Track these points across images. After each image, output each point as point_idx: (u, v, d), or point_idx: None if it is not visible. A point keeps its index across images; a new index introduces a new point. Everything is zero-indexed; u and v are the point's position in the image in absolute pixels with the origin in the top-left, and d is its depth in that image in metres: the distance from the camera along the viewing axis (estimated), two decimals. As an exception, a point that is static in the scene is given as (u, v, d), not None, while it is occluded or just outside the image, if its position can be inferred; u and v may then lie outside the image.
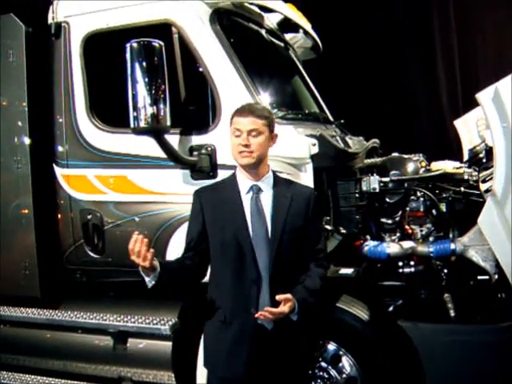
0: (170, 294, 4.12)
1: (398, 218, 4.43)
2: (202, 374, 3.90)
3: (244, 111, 3.13)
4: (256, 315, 3.00)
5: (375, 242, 4.27)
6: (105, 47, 4.42)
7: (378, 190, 4.37)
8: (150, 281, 3.03)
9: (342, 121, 5.28)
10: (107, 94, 4.46)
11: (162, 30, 4.17)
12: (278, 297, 2.99)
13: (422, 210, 4.37)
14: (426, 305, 4.14)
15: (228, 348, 3.13)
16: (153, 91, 3.63)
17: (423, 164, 4.68)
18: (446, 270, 4.18)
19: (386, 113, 8.47)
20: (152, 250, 2.92)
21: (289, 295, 3.03)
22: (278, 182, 3.25)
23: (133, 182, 4.29)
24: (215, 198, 3.21)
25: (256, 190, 3.16)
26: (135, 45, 3.61)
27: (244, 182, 3.18)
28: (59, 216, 4.60)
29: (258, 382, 3.18)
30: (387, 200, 4.45)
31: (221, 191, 3.24)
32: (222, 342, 3.15)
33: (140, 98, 3.63)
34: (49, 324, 4.68)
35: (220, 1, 4.39)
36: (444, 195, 4.37)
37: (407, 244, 4.18)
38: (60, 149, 4.56)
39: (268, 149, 3.17)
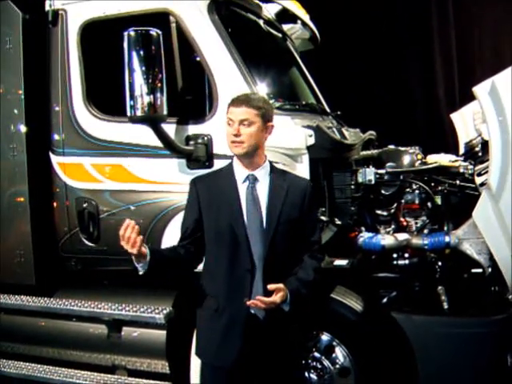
0: (165, 283, 4.16)
1: (393, 210, 4.44)
2: (196, 363, 3.92)
3: (238, 101, 3.14)
4: (248, 303, 3.01)
5: (370, 234, 4.27)
6: (102, 35, 4.39)
7: (373, 182, 4.37)
8: (141, 268, 3.06)
9: (339, 112, 5.28)
10: (104, 82, 4.45)
11: (160, 19, 4.15)
12: (270, 286, 3.00)
13: (417, 202, 4.38)
14: (420, 297, 4.15)
15: (220, 337, 3.14)
16: (150, 80, 3.62)
17: (419, 157, 4.68)
18: (440, 263, 4.19)
19: (383, 105, 8.48)
20: (141, 237, 2.94)
21: (280, 285, 3.03)
22: (275, 173, 3.26)
23: (129, 170, 4.29)
24: (211, 187, 3.22)
25: (252, 180, 3.16)
26: (133, 33, 3.60)
27: (240, 171, 3.18)
28: (55, 204, 4.60)
29: (249, 372, 3.20)
30: (383, 192, 4.45)
31: (217, 180, 3.24)
32: (215, 330, 3.16)
33: (137, 87, 3.62)
34: (43, 312, 4.68)
35: (218, -10, 4.38)
36: (439, 188, 4.38)
37: (402, 236, 4.19)
38: (56, 137, 4.55)
39: (262, 139, 3.17)
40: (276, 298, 3.01)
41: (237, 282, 3.11)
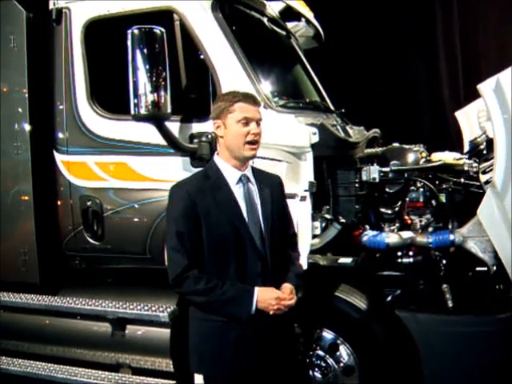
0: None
1: (397, 208, 4.43)
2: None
3: (250, 98, 3.06)
4: (274, 310, 2.96)
5: (374, 232, 4.27)
6: (106, 34, 4.40)
7: (377, 180, 4.35)
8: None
9: (343, 110, 5.26)
10: (108, 80, 4.45)
11: (164, 16, 4.15)
12: (285, 289, 3.02)
13: (421, 200, 4.36)
14: (424, 295, 4.14)
15: (235, 347, 3.01)
16: (154, 78, 3.61)
17: (423, 155, 4.67)
18: (444, 261, 4.19)
19: (387, 103, 8.46)
20: None
21: (289, 284, 3.05)
22: (254, 171, 3.21)
23: (133, 168, 4.29)
24: (205, 192, 3.02)
25: (245, 181, 3.09)
26: (136, 31, 3.59)
27: (231, 172, 3.07)
28: (59, 202, 4.60)
29: (263, 377, 3.11)
30: (387, 190, 4.44)
31: (208, 183, 3.06)
32: (226, 341, 3.02)
33: (141, 85, 3.61)
34: (48, 310, 4.69)
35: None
36: (444, 186, 4.37)
37: (406, 234, 4.18)
38: (60, 135, 4.55)
39: None
40: (293, 297, 3.03)
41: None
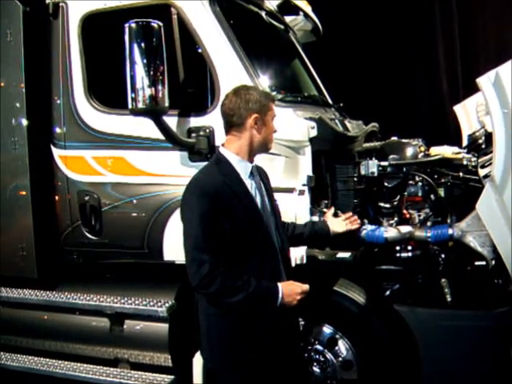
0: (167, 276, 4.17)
1: (396, 203, 4.42)
2: (199, 357, 3.92)
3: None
4: (297, 300, 3.02)
5: (373, 226, 4.23)
6: (103, 28, 4.38)
7: (376, 174, 4.34)
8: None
9: (341, 104, 5.26)
10: (105, 75, 4.45)
11: (161, 10, 4.14)
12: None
13: (420, 194, 4.35)
14: (423, 289, 4.14)
15: (258, 342, 3.03)
16: (151, 72, 3.61)
17: (422, 149, 4.66)
18: (443, 255, 4.17)
19: (385, 97, 8.45)
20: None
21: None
22: None
23: (130, 163, 4.28)
24: (224, 186, 2.96)
25: (256, 173, 3.14)
26: (134, 25, 3.58)
27: (243, 164, 3.07)
28: (56, 197, 4.60)
29: (281, 372, 3.13)
30: (385, 184, 4.42)
31: (223, 177, 2.99)
32: (251, 337, 3.02)
33: (138, 79, 3.61)
34: (46, 305, 4.70)
35: (220, -18, 4.35)
36: (442, 180, 4.35)
37: (405, 229, 4.16)
38: (58, 130, 4.54)
39: None
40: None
41: (273, 280, 3.04)
